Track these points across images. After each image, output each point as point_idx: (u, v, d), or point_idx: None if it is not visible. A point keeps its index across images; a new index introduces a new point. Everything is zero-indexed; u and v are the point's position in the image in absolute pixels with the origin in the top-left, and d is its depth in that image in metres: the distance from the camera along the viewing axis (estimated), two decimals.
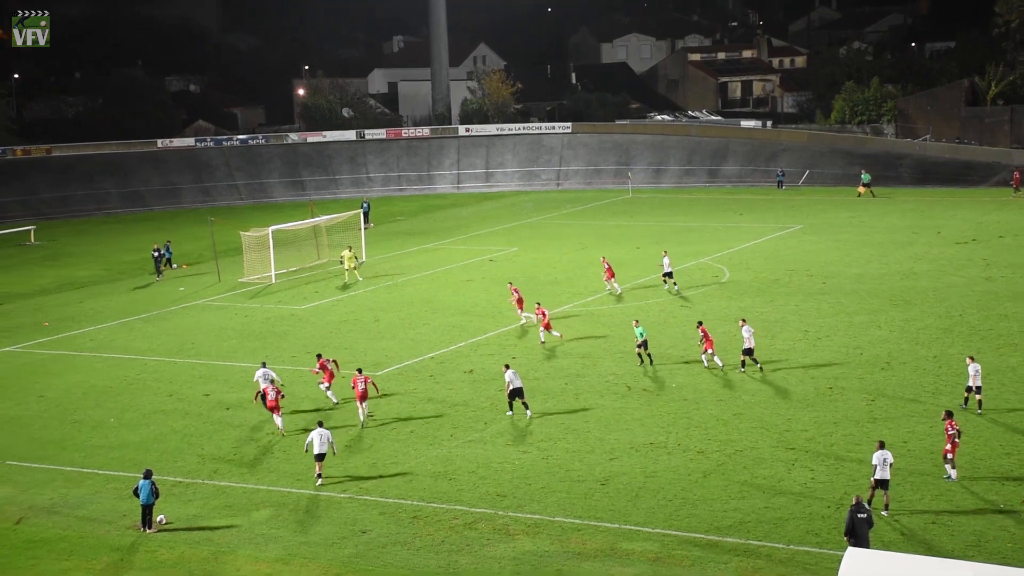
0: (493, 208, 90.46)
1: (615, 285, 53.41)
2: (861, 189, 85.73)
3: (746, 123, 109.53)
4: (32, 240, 79.80)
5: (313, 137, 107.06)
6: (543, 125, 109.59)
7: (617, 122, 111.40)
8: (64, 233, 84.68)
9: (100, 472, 32.02)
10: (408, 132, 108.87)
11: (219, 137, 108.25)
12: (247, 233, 63.18)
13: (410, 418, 35.72)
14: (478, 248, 68.65)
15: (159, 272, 61.33)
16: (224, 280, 61.04)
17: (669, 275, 53.15)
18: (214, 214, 79.48)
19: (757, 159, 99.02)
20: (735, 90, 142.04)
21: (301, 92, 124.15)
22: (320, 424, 31.72)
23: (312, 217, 69.18)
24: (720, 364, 39.38)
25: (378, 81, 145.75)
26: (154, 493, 27.60)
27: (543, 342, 43.88)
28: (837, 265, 57.85)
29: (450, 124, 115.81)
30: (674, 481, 29.36)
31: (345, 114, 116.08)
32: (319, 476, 30.32)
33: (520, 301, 47.16)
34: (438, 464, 31.44)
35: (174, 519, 28.43)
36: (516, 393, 35.05)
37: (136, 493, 27.61)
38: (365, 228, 70.68)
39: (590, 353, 42.43)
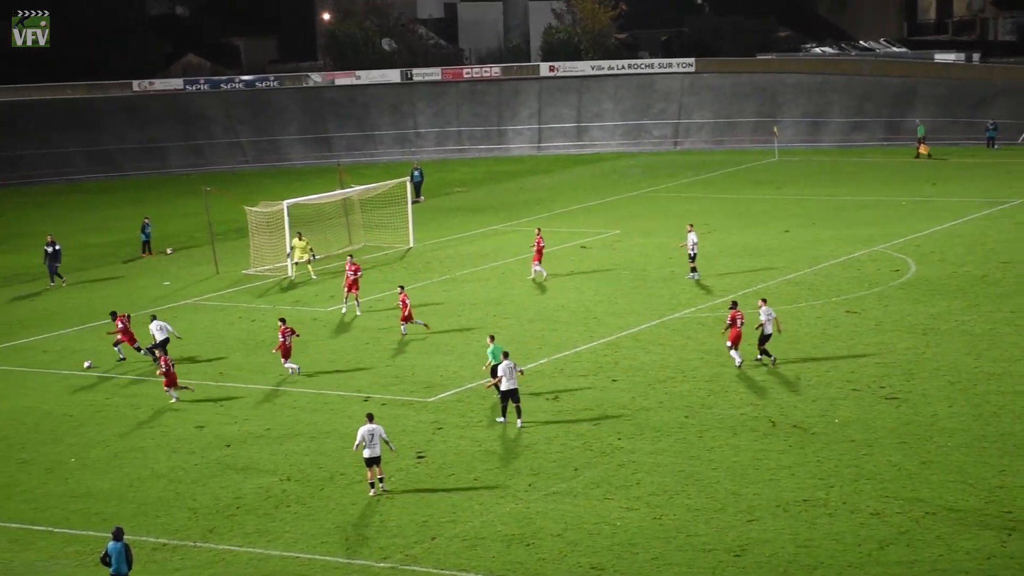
0: (586, 176, 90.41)
1: (539, 269, 56.58)
2: (923, 148, 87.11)
3: (942, 56, 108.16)
4: None
5: (343, 78, 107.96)
6: (655, 62, 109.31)
7: (758, 57, 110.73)
8: (10, 206, 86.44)
9: (56, 530, 32.50)
10: (471, 72, 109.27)
11: (216, 78, 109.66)
12: (254, 208, 63.93)
13: (472, 461, 35.91)
14: (566, 230, 68.73)
15: (53, 275, 60.95)
16: (223, 272, 61.87)
17: (692, 258, 55.35)
18: (209, 182, 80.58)
19: (958, 107, 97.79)
20: (927, 9, 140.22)
21: (326, 17, 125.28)
22: (369, 418, 33.51)
23: (341, 188, 69.77)
24: (739, 361, 42.40)
25: (430, 2, 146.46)
26: (128, 560, 28.00)
27: (414, 330, 48.16)
28: None
29: (528, 61, 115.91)
30: (838, 554, 29.12)
31: (386, 47, 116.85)
32: (372, 484, 33.50)
33: (354, 283, 52.13)
34: (512, 524, 31.53)
35: None
36: (510, 395, 37.98)
37: (105, 560, 28.04)
38: (414, 203, 71.14)
39: (719, 375, 42.29)
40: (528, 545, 30.27)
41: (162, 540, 31.47)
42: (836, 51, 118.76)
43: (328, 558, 30.17)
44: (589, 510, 32.04)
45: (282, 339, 44.20)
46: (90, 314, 54.63)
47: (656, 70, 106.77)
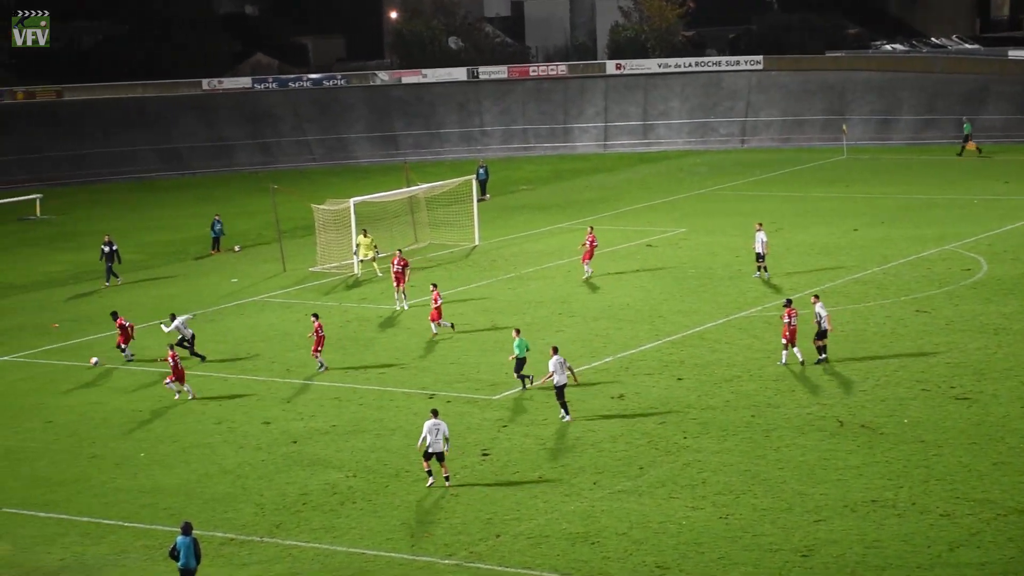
0: (652, 174, 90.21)
1: (585, 268, 56.95)
2: (971, 145, 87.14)
3: (1016, 53, 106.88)
4: (37, 213, 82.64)
5: (409, 77, 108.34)
6: (723, 60, 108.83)
7: (828, 54, 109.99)
8: (79, 204, 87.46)
9: (126, 524, 32.93)
10: (537, 70, 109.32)
11: (284, 76, 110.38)
12: (321, 207, 64.34)
13: (537, 459, 35.97)
14: (631, 229, 68.65)
15: (113, 275, 61.37)
16: (290, 269, 62.30)
17: (761, 258, 55.10)
18: (277, 180, 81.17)
19: None
20: (1001, 6, 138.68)
21: (393, 16, 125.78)
22: (434, 413, 33.91)
23: (408, 185, 70.05)
24: (783, 361, 42.77)
25: (497, 1, 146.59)
26: (196, 555, 28.30)
27: (435, 334, 48.52)
28: None
29: (595, 59, 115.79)
30: (907, 554, 28.95)
31: (452, 45, 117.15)
32: (429, 473, 33.82)
33: (400, 276, 52.64)
34: (576, 522, 31.58)
35: None
36: (562, 392, 38.49)
37: (174, 554, 28.37)
38: (479, 201, 71.30)
39: (785, 374, 42.13)
40: (593, 543, 30.31)
41: (230, 535, 31.78)
42: (907, 48, 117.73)
43: (393, 554, 30.36)
44: (654, 509, 32.04)
45: (320, 334, 44.78)
46: (158, 311, 55.12)
47: (723, 68, 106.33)
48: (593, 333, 48.37)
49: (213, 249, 68.06)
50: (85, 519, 33.31)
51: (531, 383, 41.46)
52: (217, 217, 68.79)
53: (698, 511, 31.80)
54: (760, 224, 56.26)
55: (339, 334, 50.12)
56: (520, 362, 41.46)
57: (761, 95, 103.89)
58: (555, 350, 38.94)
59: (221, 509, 33.48)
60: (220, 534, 31.76)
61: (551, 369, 38.51)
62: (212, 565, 29.68)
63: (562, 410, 38.75)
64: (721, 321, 49.19)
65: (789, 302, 43.41)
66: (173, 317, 47.40)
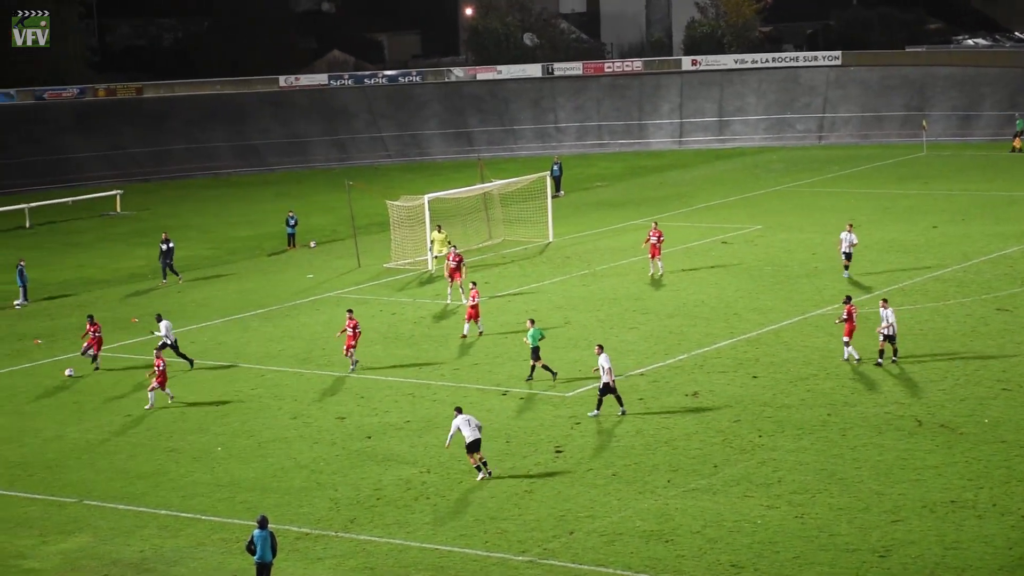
0: (728, 170, 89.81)
1: (658, 265, 56.19)
2: (1017, 142, 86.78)
3: None
4: (117, 209, 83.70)
5: (484, 73, 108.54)
6: (800, 55, 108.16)
7: (907, 49, 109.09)
8: (158, 200, 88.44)
9: (203, 518, 33.27)
10: (613, 66, 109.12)
11: (360, 73, 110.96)
12: (395, 203, 64.64)
13: (611, 456, 35.92)
14: (707, 225, 68.43)
15: (175, 272, 61.68)
16: (365, 265, 62.64)
17: (847, 257, 54.50)
18: (352, 176, 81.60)
19: None
20: None
21: (469, 12, 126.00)
22: (459, 411, 34.50)
23: (482, 182, 70.19)
24: (856, 357, 42.23)
25: None
26: (272, 548, 28.53)
27: (464, 335, 48.37)
28: None
29: (671, 55, 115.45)
30: (987, 556, 28.66)
31: (527, 42, 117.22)
32: (482, 467, 34.33)
33: (456, 271, 52.93)
34: (650, 520, 31.53)
35: None
36: (607, 390, 38.36)
37: (250, 548, 28.62)
38: (554, 197, 71.31)
39: (863, 373, 41.83)
40: (667, 542, 30.25)
41: (305, 529, 32.03)
42: (989, 43, 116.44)
43: (467, 551, 30.44)
44: (729, 507, 31.93)
45: (356, 330, 44.59)
46: (237, 306, 55.71)
47: (801, 63, 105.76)
48: (667, 330, 48.25)
49: (289, 245, 68.60)
50: (163, 512, 33.69)
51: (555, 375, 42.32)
52: (291, 213, 69.34)
53: (773, 510, 31.66)
54: (851, 224, 55.73)
55: (413, 330, 50.36)
56: (534, 351, 41.88)
57: (839, 91, 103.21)
58: (600, 348, 38.91)
59: (296, 503, 33.75)
60: (295, 528, 32.01)
61: (607, 366, 38.35)
62: (287, 559, 29.92)
63: (597, 407, 38.87)
64: (797, 319, 48.91)
65: (848, 299, 43.23)
66: (159, 318, 47.04)
